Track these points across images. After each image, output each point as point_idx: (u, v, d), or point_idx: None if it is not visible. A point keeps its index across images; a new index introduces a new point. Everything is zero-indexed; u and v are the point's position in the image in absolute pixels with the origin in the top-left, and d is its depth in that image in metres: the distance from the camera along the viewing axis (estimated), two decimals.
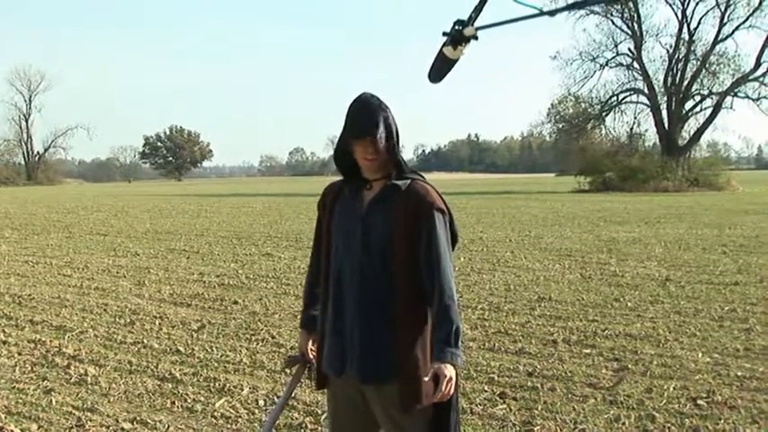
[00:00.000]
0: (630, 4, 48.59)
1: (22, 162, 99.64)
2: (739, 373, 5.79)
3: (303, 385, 3.88)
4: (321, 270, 2.87)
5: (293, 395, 5.05)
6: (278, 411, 3.16)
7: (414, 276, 2.66)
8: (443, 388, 2.49)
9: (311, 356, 2.97)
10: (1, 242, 16.75)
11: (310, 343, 2.98)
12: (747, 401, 5.16)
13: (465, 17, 2.22)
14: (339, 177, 2.89)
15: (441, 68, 2.37)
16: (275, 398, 5.33)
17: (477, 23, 2.19)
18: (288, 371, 3.31)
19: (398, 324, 2.66)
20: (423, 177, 2.80)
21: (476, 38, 2.21)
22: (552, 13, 1.91)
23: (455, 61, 2.32)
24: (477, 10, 2.17)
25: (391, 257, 2.66)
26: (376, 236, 2.68)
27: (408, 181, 2.72)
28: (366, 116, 2.65)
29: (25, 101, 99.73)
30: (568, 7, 1.96)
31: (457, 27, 2.22)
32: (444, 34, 2.26)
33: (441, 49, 2.31)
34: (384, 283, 2.67)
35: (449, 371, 2.51)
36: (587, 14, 49.47)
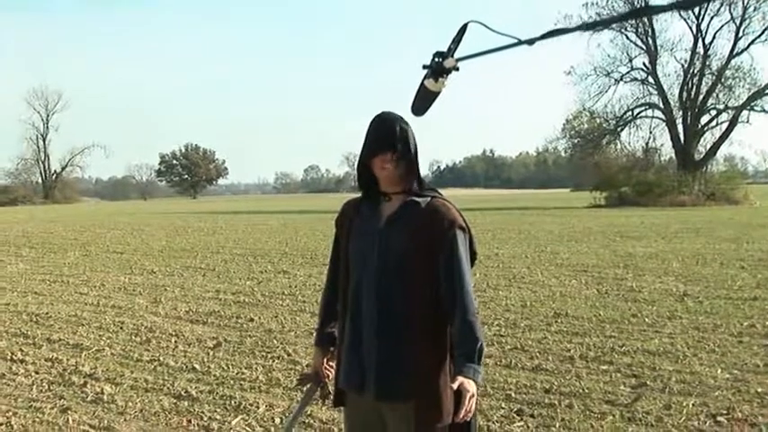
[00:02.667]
0: (645, 19, 48.54)
1: (40, 181, 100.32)
2: (759, 390, 5.73)
3: (319, 403, 3.88)
4: (339, 286, 2.87)
5: (306, 412, 5.04)
6: (290, 428, 3.16)
7: (431, 293, 2.66)
8: (466, 404, 2.47)
9: (325, 374, 2.96)
10: (18, 260, 16.85)
11: (325, 360, 2.98)
12: None
13: (444, 49, 2.23)
14: (356, 195, 2.90)
15: (423, 101, 2.39)
16: (288, 415, 5.32)
17: (457, 54, 2.20)
18: (301, 388, 3.31)
19: (416, 341, 2.66)
20: (441, 194, 2.80)
21: (456, 69, 2.22)
22: (530, 42, 1.92)
23: (437, 93, 2.34)
24: (456, 41, 2.19)
25: (409, 273, 2.66)
26: (393, 251, 2.68)
27: (428, 198, 2.74)
28: (385, 131, 2.69)
29: (42, 120, 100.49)
30: (546, 36, 1.96)
31: (437, 59, 2.23)
32: (425, 67, 2.28)
33: (422, 82, 2.32)
34: (401, 298, 2.67)
35: (472, 386, 2.50)
36: (602, 30, 49.51)
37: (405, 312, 2.66)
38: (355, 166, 2.86)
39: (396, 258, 2.68)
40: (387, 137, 2.68)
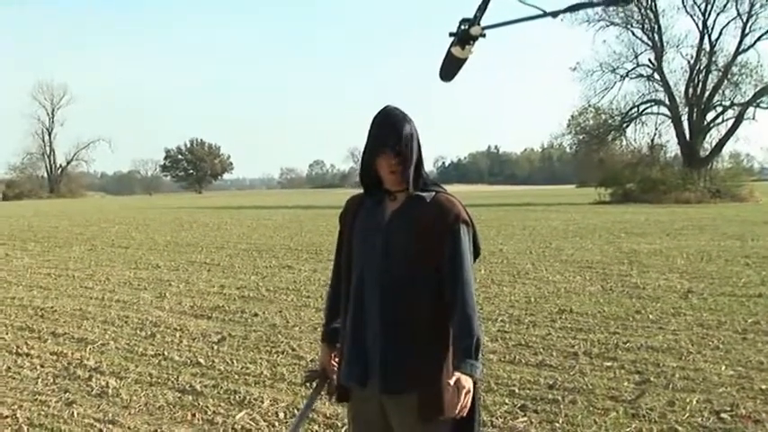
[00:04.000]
0: (651, 15, 48.45)
1: (45, 175, 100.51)
2: (763, 386, 5.73)
3: (323, 398, 3.88)
4: (342, 282, 2.88)
5: (313, 408, 5.05)
6: (298, 425, 3.16)
7: (435, 287, 2.67)
8: (462, 399, 2.47)
9: (332, 370, 2.97)
10: (24, 255, 16.91)
11: (332, 357, 2.98)
12: None
13: (470, 16, 2.23)
14: (360, 190, 2.90)
15: (450, 67, 2.39)
16: (295, 411, 5.33)
17: (483, 23, 2.19)
18: (307, 384, 3.31)
19: (419, 335, 2.67)
20: (445, 190, 2.80)
21: (483, 36, 2.21)
22: (555, 14, 1.92)
23: (464, 60, 2.34)
24: (482, 9, 2.18)
25: (413, 268, 2.67)
26: (398, 246, 2.69)
27: (433, 193, 2.74)
28: (389, 128, 2.67)
29: (48, 114, 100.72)
30: (570, 9, 1.96)
31: (463, 26, 2.22)
32: (451, 34, 2.27)
33: (449, 49, 2.32)
34: (405, 293, 2.67)
35: (467, 382, 2.49)
36: (607, 26, 49.38)
37: (408, 308, 2.66)
38: (359, 162, 2.85)
39: (400, 253, 2.68)
40: (391, 136, 2.66)
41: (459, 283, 2.63)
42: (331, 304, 3.01)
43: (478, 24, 2.19)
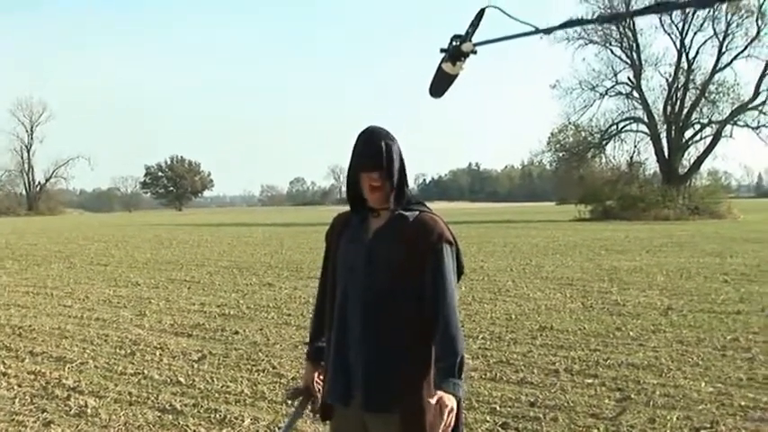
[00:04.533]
0: (629, 33, 48.96)
1: (24, 192, 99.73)
2: (743, 403, 5.76)
3: (306, 417, 3.88)
4: (327, 299, 2.88)
5: (295, 427, 5.02)
6: None
7: (418, 306, 2.67)
8: (445, 418, 2.47)
9: (316, 388, 2.96)
10: (1, 273, 16.74)
11: (316, 375, 2.98)
12: None
13: (462, 33, 2.25)
14: (341, 207, 2.91)
15: (440, 84, 2.40)
16: (276, 429, 5.30)
17: (474, 39, 2.21)
18: (289, 402, 3.29)
19: (402, 353, 2.67)
20: (429, 208, 2.82)
21: (474, 53, 2.23)
22: (548, 31, 1.94)
23: (455, 76, 2.35)
24: (474, 25, 2.20)
25: (396, 286, 2.68)
26: (381, 264, 2.69)
27: (416, 212, 2.75)
28: (372, 147, 2.70)
29: (27, 131, 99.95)
30: (563, 26, 1.98)
31: (454, 43, 2.24)
32: (442, 50, 2.29)
33: (440, 65, 2.34)
34: (388, 310, 2.68)
35: (450, 401, 2.49)
36: (586, 44, 49.88)
37: (391, 325, 2.67)
38: (341, 178, 2.86)
39: (383, 272, 2.69)
40: (374, 155, 2.68)
41: (443, 303, 2.64)
42: (316, 322, 3.00)
43: (470, 41, 2.21)
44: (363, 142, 2.73)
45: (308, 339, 3.09)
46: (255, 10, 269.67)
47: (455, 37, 2.24)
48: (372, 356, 2.68)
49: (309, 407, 3.02)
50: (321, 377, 2.94)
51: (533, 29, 1.94)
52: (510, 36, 2.01)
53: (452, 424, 2.51)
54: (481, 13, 2.19)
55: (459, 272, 2.80)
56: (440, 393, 2.50)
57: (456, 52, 2.25)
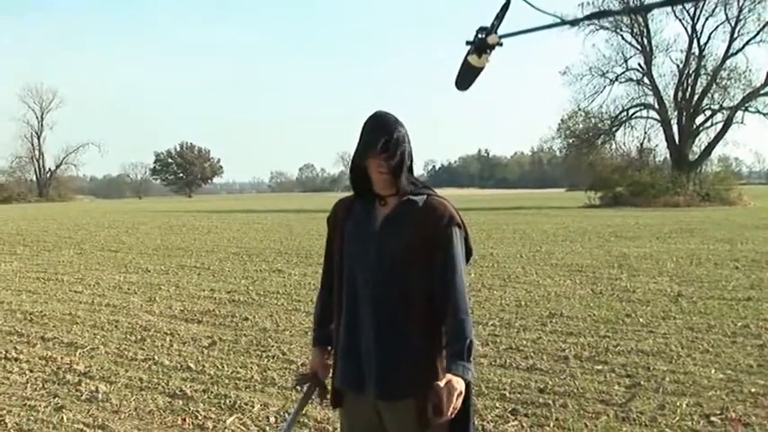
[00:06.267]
0: (640, 19, 48.61)
1: (34, 179, 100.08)
2: (753, 390, 5.75)
3: (314, 402, 3.88)
4: (334, 287, 2.86)
5: (304, 413, 5.04)
6: (288, 429, 3.15)
7: (428, 291, 2.66)
8: (453, 400, 2.46)
9: (324, 374, 2.96)
10: (12, 259, 16.81)
11: (323, 360, 2.97)
12: (762, 418, 5.12)
13: (488, 24, 2.23)
14: (350, 194, 2.89)
15: (466, 76, 2.39)
16: (286, 415, 5.32)
17: (500, 31, 2.20)
18: (298, 388, 3.30)
19: (415, 339, 2.66)
20: (436, 193, 2.80)
21: (500, 45, 2.22)
22: (574, 22, 1.92)
23: (481, 69, 2.34)
24: (499, 18, 2.19)
25: (406, 273, 2.66)
26: (391, 251, 2.67)
27: (425, 197, 2.73)
28: (380, 132, 2.66)
29: (37, 118, 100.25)
30: (589, 17, 1.97)
31: (480, 35, 2.23)
32: (468, 43, 2.28)
33: (465, 58, 2.33)
34: (399, 298, 2.66)
35: (459, 384, 2.48)
36: (597, 30, 49.53)
37: (402, 312, 2.65)
38: (349, 166, 2.84)
39: (392, 259, 2.67)
40: (382, 139, 2.65)
41: (453, 287, 2.62)
42: (321, 308, 2.99)
43: (495, 33, 2.20)
44: (371, 127, 2.69)
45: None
46: None
47: (481, 29, 2.23)
48: (385, 344, 2.66)
49: (317, 393, 3.01)
50: (328, 363, 2.93)
51: (559, 20, 1.91)
52: (536, 28, 1.99)
53: (459, 407, 2.50)
54: (507, 5, 2.17)
55: (468, 255, 2.78)
56: (449, 376, 2.49)
57: (482, 45, 2.24)
